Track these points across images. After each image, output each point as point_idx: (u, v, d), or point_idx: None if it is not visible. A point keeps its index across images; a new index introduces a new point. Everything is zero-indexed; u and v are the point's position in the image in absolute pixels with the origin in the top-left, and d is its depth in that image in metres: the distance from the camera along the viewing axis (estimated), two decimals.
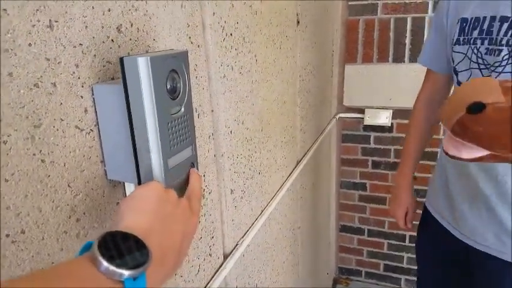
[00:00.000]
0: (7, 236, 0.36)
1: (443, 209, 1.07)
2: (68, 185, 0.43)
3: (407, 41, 1.81)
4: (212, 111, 0.76)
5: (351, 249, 2.26)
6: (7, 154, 0.35)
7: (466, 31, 0.90)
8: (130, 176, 0.47)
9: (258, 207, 1.01)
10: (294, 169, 1.30)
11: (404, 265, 2.16)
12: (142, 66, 0.42)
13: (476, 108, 0.53)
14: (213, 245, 0.79)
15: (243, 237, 0.92)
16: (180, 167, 0.49)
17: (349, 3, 1.88)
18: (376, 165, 2.04)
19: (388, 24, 1.83)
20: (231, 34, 0.81)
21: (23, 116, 0.37)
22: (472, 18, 0.89)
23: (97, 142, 0.47)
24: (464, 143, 0.57)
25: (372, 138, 2.02)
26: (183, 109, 0.49)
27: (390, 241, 2.15)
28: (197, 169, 0.53)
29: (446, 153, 0.61)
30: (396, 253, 2.16)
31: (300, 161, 1.37)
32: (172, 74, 0.47)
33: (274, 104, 1.08)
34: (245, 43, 0.88)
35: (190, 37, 0.67)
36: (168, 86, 0.46)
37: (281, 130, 1.15)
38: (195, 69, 0.69)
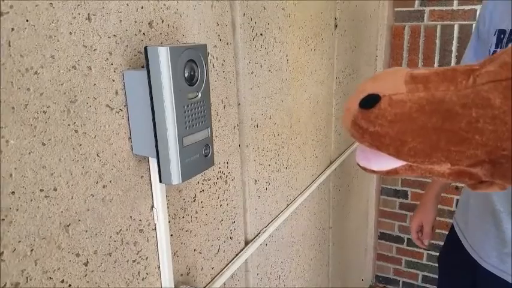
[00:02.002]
0: (41, 190, 0.44)
1: (459, 220, 1.05)
2: (97, 155, 0.51)
3: (454, 48, 1.75)
4: (239, 104, 0.82)
5: (389, 257, 2.21)
6: (45, 122, 0.43)
7: (504, 43, 0.88)
8: (153, 151, 0.54)
9: (284, 201, 1.05)
10: (326, 169, 1.32)
11: None
12: (162, 55, 0.48)
13: (369, 101, 0.43)
14: (234, 229, 0.84)
15: (266, 226, 0.96)
16: (195, 146, 0.55)
17: (396, 9, 1.86)
18: None
19: (434, 31, 1.79)
20: (261, 34, 0.87)
21: (61, 91, 0.45)
22: (510, 29, 0.86)
23: (125, 120, 0.54)
24: (374, 151, 0.46)
25: None
26: (200, 95, 0.55)
27: (430, 252, 2.08)
28: (212, 151, 0.59)
29: (358, 165, 0.50)
30: (435, 264, 2.08)
31: (333, 162, 1.39)
32: (191, 64, 0.53)
33: (305, 103, 1.11)
34: (276, 43, 0.93)
35: (219, 35, 0.73)
36: (186, 74, 0.52)
37: (313, 129, 1.18)
38: (222, 64, 0.75)
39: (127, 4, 0.52)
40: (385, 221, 2.16)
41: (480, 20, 0.98)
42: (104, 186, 0.52)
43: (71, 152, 0.47)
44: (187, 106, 0.53)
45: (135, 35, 0.55)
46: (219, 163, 0.76)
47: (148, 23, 0.57)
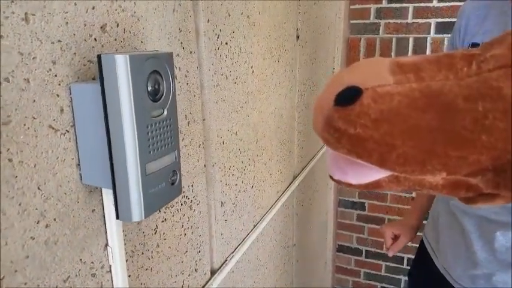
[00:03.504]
0: None
1: (430, 238, 1.04)
2: (38, 188, 0.40)
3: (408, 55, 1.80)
4: (204, 119, 0.74)
5: (348, 270, 2.21)
6: None
7: None
8: (107, 181, 0.45)
9: (250, 222, 0.98)
10: (290, 184, 1.27)
11: None
12: (121, 65, 0.40)
13: (348, 95, 0.33)
14: (200, 259, 0.75)
15: (233, 252, 0.88)
16: (160, 174, 0.47)
17: (351, 22, 1.88)
18: None
19: (389, 43, 1.83)
20: (226, 43, 0.80)
21: None
22: (482, 43, 0.86)
23: (73, 144, 0.44)
24: (352, 159, 0.36)
25: None
26: (165, 112, 0.47)
27: (388, 263, 2.10)
28: (180, 178, 0.50)
29: (332, 178, 0.41)
30: (394, 275, 2.11)
31: (296, 177, 1.34)
32: (155, 75, 0.45)
33: (270, 117, 1.06)
34: (241, 53, 0.86)
35: (182, 42, 0.65)
36: (149, 88, 0.44)
37: (278, 144, 1.13)
38: (186, 76, 0.67)
39: (75, 3, 0.43)
40: (343, 233, 2.15)
41: (455, 33, 0.98)
42: (46, 226, 0.42)
43: (3, 187, 0.37)
44: (151, 126, 0.44)
45: (85, 40, 0.45)
46: (183, 187, 0.67)
47: (101, 27, 0.48)
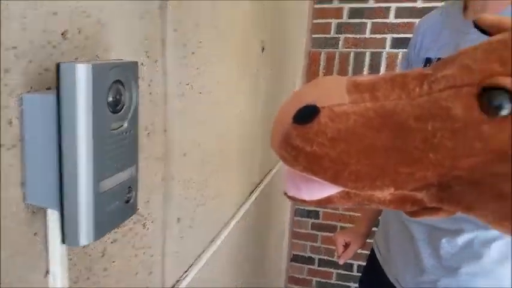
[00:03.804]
0: None
1: (381, 246, 1.08)
2: None
3: (365, 73, 1.86)
4: (165, 130, 0.71)
5: (300, 279, 2.23)
6: None
7: None
8: (53, 200, 0.41)
9: (208, 237, 0.95)
10: (250, 194, 1.26)
11: None
12: (81, 75, 0.37)
13: (306, 113, 0.35)
14: (151, 282, 0.72)
15: (186, 271, 0.85)
16: (115, 191, 0.43)
17: (313, 36, 1.92)
18: None
19: (347, 57, 1.88)
20: (193, 52, 0.77)
21: None
22: (436, 58, 0.90)
23: (18, 160, 0.40)
24: (307, 176, 0.36)
25: None
26: (126, 125, 0.44)
27: (339, 271, 2.15)
28: (135, 195, 0.48)
29: (286, 195, 0.42)
30: (344, 283, 2.16)
31: (257, 186, 1.33)
32: (117, 85, 0.42)
33: (235, 128, 1.04)
34: (207, 63, 0.84)
35: (147, 51, 0.62)
36: (110, 98, 0.41)
37: (240, 155, 1.11)
38: (149, 85, 0.64)
39: (35, 8, 0.40)
40: (298, 242, 2.18)
41: (410, 48, 1.01)
42: None
43: None
44: (109, 139, 0.41)
45: (43, 47, 0.42)
46: (138, 203, 0.64)
47: (62, 33, 0.44)
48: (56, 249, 0.45)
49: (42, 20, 0.41)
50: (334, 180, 0.35)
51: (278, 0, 1.37)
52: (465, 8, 0.86)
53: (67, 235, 0.40)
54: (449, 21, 0.90)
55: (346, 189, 0.38)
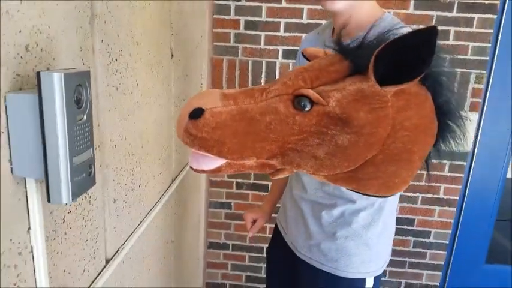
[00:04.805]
0: None
1: (281, 220, 1.32)
2: None
3: (263, 81, 2.12)
4: (98, 125, 0.85)
5: (217, 264, 2.43)
6: None
7: None
8: (36, 172, 0.55)
9: (137, 218, 1.10)
10: (169, 186, 1.42)
11: (263, 274, 2.41)
12: (57, 80, 0.52)
13: (196, 114, 0.56)
14: (97, 248, 0.85)
15: (123, 244, 0.99)
16: (82, 166, 0.59)
17: (215, 43, 2.12)
18: (239, 186, 2.29)
19: (247, 65, 2.13)
20: (116, 59, 0.92)
21: None
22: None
23: (6, 142, 0.53)
24: (204, 154, 0.59)
25: None
26: (85, 117, 0.59)
27: (251, 254, 2.39)
28: (94, 170, 0.63)
29: (191, 168, 0.63)
30: (256, 264, 2.41)
31: (174, 179, 1.49)
32: (79, 88, 0.57)
33: (153, 125, 1.20)
34: (128, 68, 0.99)
35: (82, 59, 0.76)
36: (75, 97, 0.56)
37: (159, 149, 1.27)
38: None
39: (7, 28, 0.53)
40: (214, 231, 2.37)
41: (297, 58, 1.27)
42: None
43: None
44: (76, 127, 0.57)
45: (14, 58, 0.55)
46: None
47: (25, 47, 0.58)
48: (35, 212, 0.58)
49: (12, 37, 0.54)
50: (219, 154, 0.59)
51: (182, 13, 1.54)
52: (333, 31, 1.12)
53: (52, 196, 0.54)
54: (322, 39, 1.15)
55: (228, 161, 0.61)
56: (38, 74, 0.51)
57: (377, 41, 0.58)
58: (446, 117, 0.63)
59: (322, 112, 0.56)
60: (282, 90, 0.59)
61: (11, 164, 0.54)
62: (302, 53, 0.71)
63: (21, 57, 0.57)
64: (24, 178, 0.58)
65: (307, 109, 0.58)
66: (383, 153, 0.58)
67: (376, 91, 0.56)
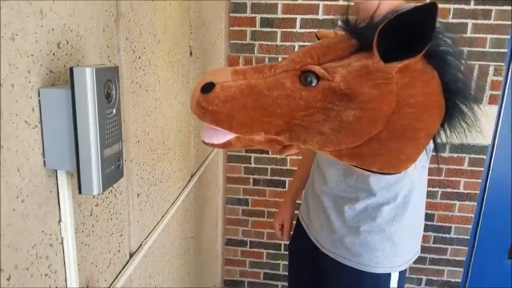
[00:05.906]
0: None
1: (304, 215, 1.33)
2: (18, 170, 0.51)
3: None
4: (124, 121, 0.87)
5: (235, 261, 2.44)
6: None
7: None
8: (67, 164, 0.57)
9: (159, 213, 1.12)
10: (188, 182, 1.44)
11: (281, 272, 2.42)
12: (89, 75, 0.54)
13: (207, 87, 0.57)
14: (122, 242, 0.87)
15: (146, 238, 1.01)
16: (111, 158, 0.60)
17: (231, 41, 2.14)
18: (256, 182, 2.30)
19: (263, 62, 2.14)
20: (139, 57, 0.94)
21: None
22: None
23: (39, 136, 0.55)
24: (216, 128, 0.60)
25: (252, 159, 2.27)
26: (114, 111, 0.61)
27: (268, 251, 2.40)
28: (123, 163, 0.65)
29: (204, 142, 0.64)
30: (274, 261, 2.42)
31: (193, 175, 1.51)
32: (108, 83, 0.59)
33: (173, 121, 1.22)
34: (150, 65, 1.01)
35: (109, 56, 0.78)
36: (105, 92, 0.58)
37: (179, 145, 1.29)
38: None
39: (41, 26, 0.55)
40: (231, 227, 2.39)
41: None
42: (22, 201, 0.52)
43: None
44: (107, 121, 0.58)
45: (47, 54, 0.57)
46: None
47: (57, 44, 0.60)
48: (66, 204, 0.60)
49: (45, 35, 0.56)
50: (228, 127, 0.60)
51: (200, 12, 1.56)
52: None
53: (83, 187, 0.56)
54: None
55: (237, 135, 0.61)
56: (71, 69, 0.53)
57: (382, 20, 0.58)
58: (454, 97, 0.62)
59: (328, 87, 0.57)
60: (289, 66, 0.60)
61: (43, 157, 0.56)
62: (316, 35, 0.71)
63: (54, 54, 0.59)
64: (56, 171, 0.60)
65: (313, 84, 0.58)
66: (387, 129, 0.58)
67: (380, 67, 0.56)
